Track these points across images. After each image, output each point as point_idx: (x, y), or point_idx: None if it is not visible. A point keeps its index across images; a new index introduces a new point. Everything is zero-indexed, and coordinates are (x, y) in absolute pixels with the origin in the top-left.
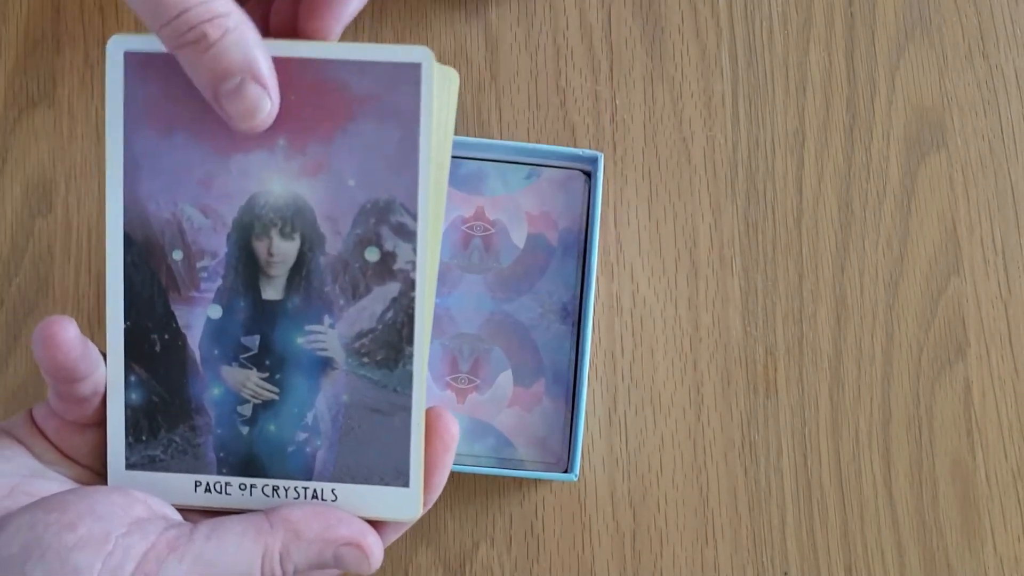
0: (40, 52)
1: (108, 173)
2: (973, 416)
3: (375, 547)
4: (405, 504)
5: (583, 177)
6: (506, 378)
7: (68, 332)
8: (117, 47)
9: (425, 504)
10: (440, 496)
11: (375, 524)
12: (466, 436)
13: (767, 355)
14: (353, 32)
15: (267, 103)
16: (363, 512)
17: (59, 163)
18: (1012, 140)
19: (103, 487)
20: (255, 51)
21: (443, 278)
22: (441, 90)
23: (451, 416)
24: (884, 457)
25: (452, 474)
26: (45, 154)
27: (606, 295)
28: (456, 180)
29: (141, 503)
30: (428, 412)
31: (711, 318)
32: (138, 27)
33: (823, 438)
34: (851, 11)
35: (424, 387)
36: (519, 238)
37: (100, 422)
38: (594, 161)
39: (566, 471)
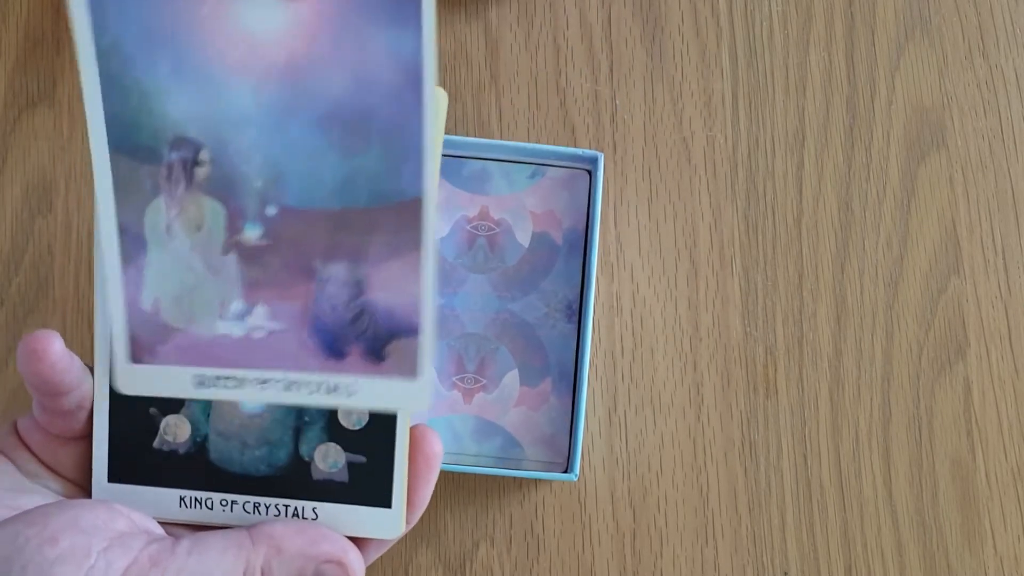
0: (40, 52)
1: (98, 198)
2: (973, 416)
3: (357, 564)
4: (387, 523)
5: (587, 176)
6: (512, 377)
7: (54, 346)
8: None
9: (408, 522)
10: (440, 496)
11: (357, 541)
12: (473, 436)
13: (767, 355)
14: None
15: None
16: (344, 530)
17: (59, 163)
18: (1012, 140)
19: (86, 500)
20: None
21: (448, 278)
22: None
23: (435, 434)
24: (884, 457)
25: (452, 474)
26: (45, 154)
27: (606, 295)
28: (460, 180)
29: (124, 517)
30: (412, 430)
31: (711, 318)
32: None
33: (823, 438)
34: (851, 11)
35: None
36: (524, 237)
37: (85, 436)
38: (594, 161)
39: (566, 471)
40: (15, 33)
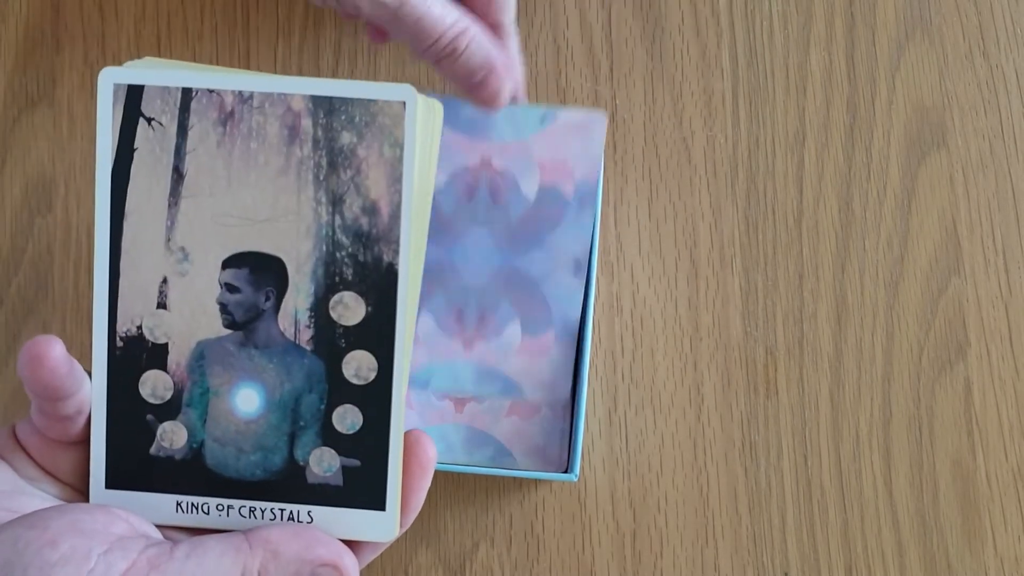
0: (39, 52)
1: (97, 205)
2: (973, 416)
3: (352, 569)
4: (381, 526)
5: (603, 120)
6: (515, 330)
7: (55, 351)
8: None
9: (401, 526)
10: (440, 496)
11: (352, 543)
12: (465, 446)
13: (767, 355)
14: (353, 30)
15: (506, 88)
16: (339, 533)
17: (59, 163)
18: (1012, 140)
19: (84, 504)
20: (491, 52)
21: (446, 230)
22: (426, 123)
23: (429, 439)
24: (884, 457)
25: (452, 475)
26: (45, 154)
27: (606, 295)
28: (460, 123)
29: (122, 521)
30: (407, 435)
31: (711, 318)
32: (135, 36)
33: (823, 438)
34: (851, 11)
35: (403, 410)
36: (530, 189)
37: (83, 440)
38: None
39: (566, 471)
40: (14, 33)
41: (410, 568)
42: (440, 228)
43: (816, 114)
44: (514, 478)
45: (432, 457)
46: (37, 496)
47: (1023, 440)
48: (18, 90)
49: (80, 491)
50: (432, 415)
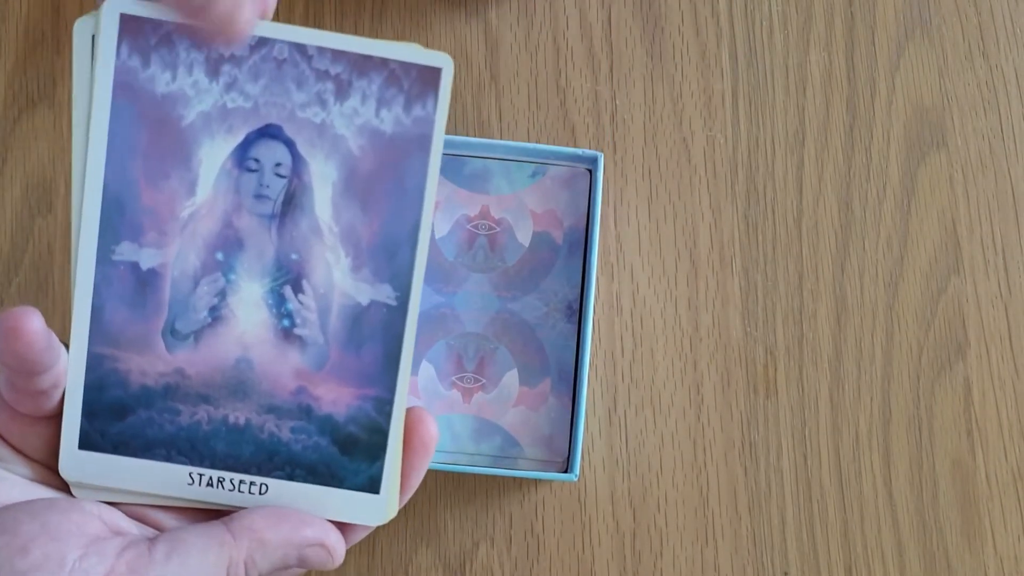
0: (40, 52)
1: (92, 144)
2: (973, 416)
3: (338, 545)
4: (374, 510)
5: (588, 175)
6: (512, 377)
7: (33, 324)
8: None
9: (398, 505)
10: (440, 496)
11: (341, 524)
12: (472, 436)
13: (767, 355)
14: (353, 25)
15: (244, 10)
16: (330, 514)
17: (59, 163)
18: (1012, 140)
19: (56, 501)
20: None
21: (448, 277)
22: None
23: (431, 418)
24: (884, 457)
25: (452, 474)
26: (45, 154)
27: (606, 295)
28: (461, 179)
29: (95, 518)
30: (409, 412)
31: (711, 318)
32: None
33: (823, 438)
34: (851, 11)
35: (406, 392)
36: (524, 236)
37: (56, 415)
38: (594, 161)
39: (566, 471)
40: (15, 33)
41: (410, 568)
42: (443, 276)
43: (816, 114)
44: (514, 478)
45: (434, 435)
46: (5, 480)
47: (1022, 440)
48: (18, 91)
49: (51, 468)
50: (439, 405)
